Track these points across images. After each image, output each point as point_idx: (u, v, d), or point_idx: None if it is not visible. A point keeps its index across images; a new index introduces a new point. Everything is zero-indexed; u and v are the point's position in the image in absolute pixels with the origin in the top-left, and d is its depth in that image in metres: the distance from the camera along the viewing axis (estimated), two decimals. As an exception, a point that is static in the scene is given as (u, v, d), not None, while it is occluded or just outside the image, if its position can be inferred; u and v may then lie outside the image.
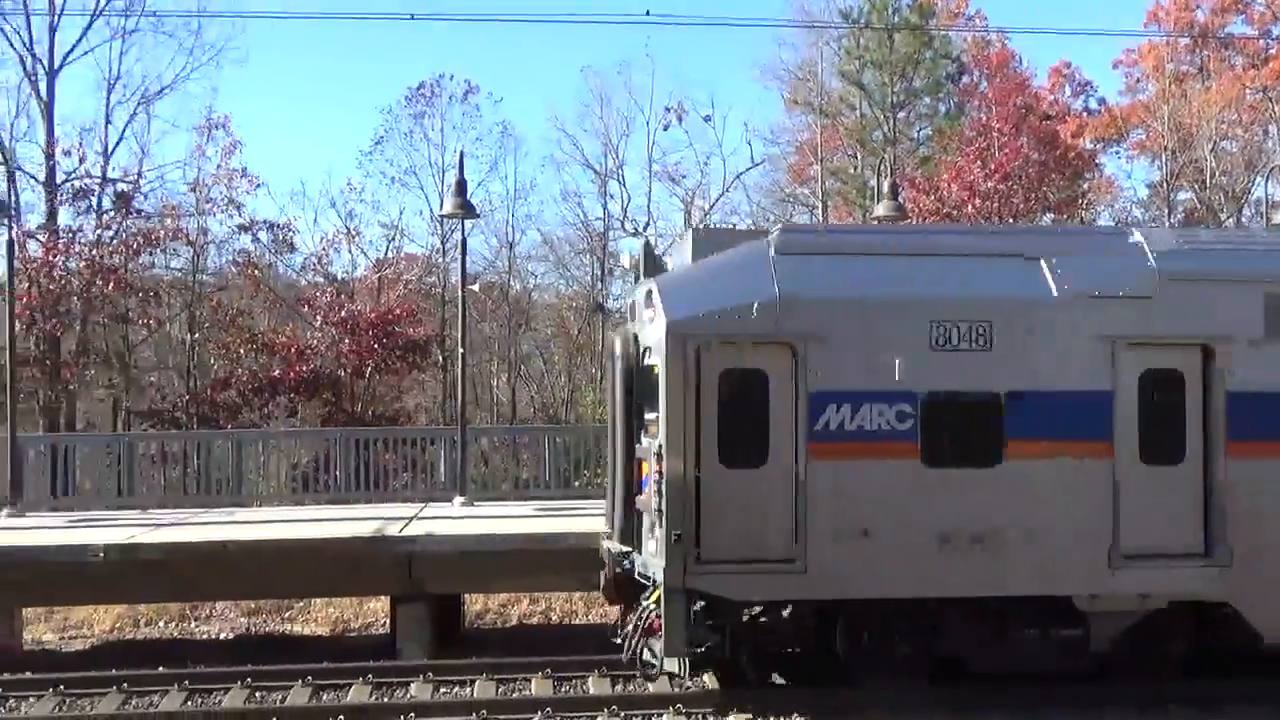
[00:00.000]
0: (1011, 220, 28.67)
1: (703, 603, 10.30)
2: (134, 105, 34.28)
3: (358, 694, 11.49)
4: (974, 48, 42.50)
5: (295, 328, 30.01)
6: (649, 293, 10.73)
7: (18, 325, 21.07)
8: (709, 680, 11.53)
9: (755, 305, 10.32)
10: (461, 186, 17.37)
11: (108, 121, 34.17)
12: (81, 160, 31.70)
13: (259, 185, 32.11)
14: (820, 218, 37.74)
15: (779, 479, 10.32)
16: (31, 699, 11.47)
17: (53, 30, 32.85)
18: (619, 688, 11.61)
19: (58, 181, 31.78)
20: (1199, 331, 10.71)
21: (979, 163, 30.57)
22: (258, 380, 27.78)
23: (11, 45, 33.09)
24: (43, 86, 33.27)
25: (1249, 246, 11.72)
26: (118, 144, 34.36)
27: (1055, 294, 10.61)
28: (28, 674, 12.26)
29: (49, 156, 31.87)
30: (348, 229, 34.76)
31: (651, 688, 11.33)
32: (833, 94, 40.58)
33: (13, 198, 25.84)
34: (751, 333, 10.34)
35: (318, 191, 60.70)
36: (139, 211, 31.16)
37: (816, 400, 10.33)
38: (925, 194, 30.15)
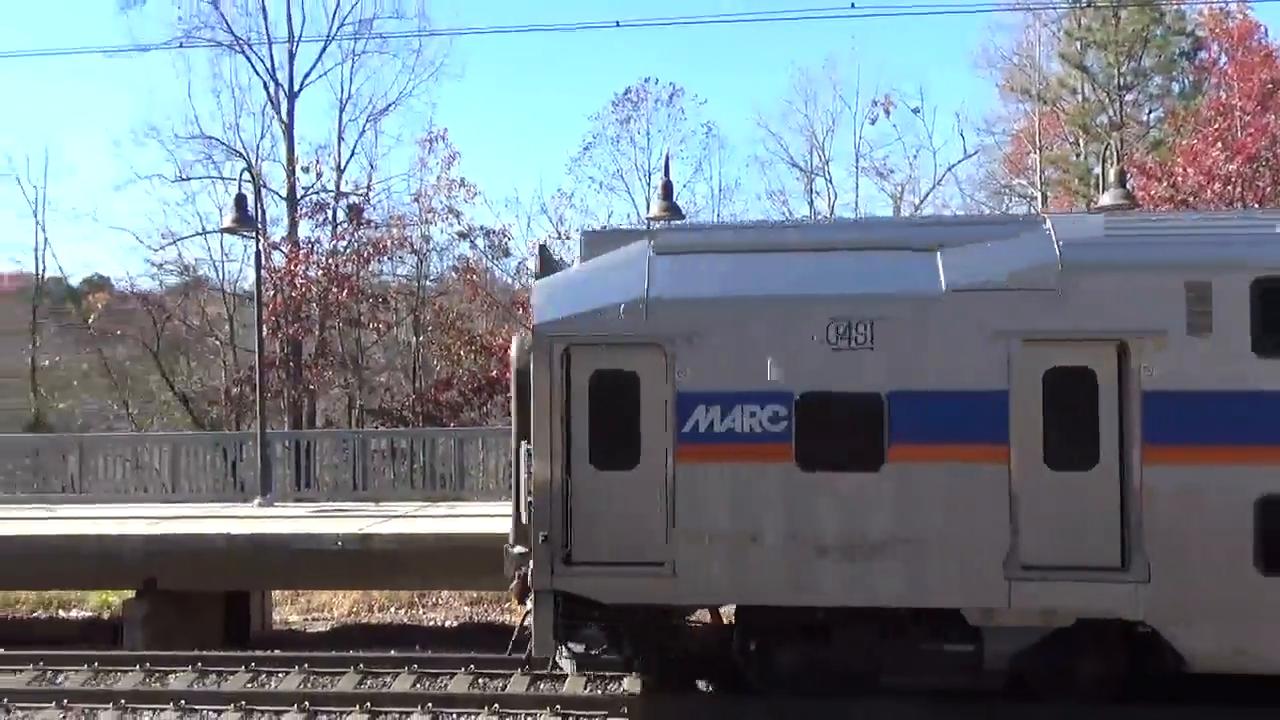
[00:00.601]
0: (1256, 206, 26.68)
1: (599, 607, 10.39)
2: (363, 123, 36.88)
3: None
4: (1211, 21, 39.24)
5: (511, 329, 30.98)
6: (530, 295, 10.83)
7: (264, 330, 22.91)
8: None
9: (623, 306, 10.21)
10: (668, 189, 17.41)
11: (340, 139, 36.85)
12: (318, 176, 34.50)
13: (476, 194, 33.86)
14: (1039, 208, 35.78)
15: (650, 481, 10.16)
16: (280, 675, 12.61)
17: (292, 57, 35.83)
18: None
19: (298, 196, 34.56)
20: (1112, 326, 9.78)
21: (1219, 145, 28.00)
22: (477, 380, 29.77)
23: (257, 72, 36.14)
24: (284, 109, 36.04)
25: (1171, 232, 10.59)
26: (349, 159, 36.96)
27: (944, 287, 9.98)
28: (276, 652, 13.63)
29: (290, 173, 34.72)
30: (559, 234, 35.67)
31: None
32: (1051, 78, 38.61)
33: (260, 213, 28.07)
34: (621, 333, 10.23)
35: (531, 198, 63.40)
36: (369, 222, 33.24)
37: (685, 401, 10.10)
38: (1157, 180, 28.20)
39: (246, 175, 22.16)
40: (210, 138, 36.94)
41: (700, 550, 10.05)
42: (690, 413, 10.09)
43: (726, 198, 42.69)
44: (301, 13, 36.59)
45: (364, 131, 36.81)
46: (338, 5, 36.35)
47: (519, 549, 11.04)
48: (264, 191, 32.52)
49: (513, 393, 11.26)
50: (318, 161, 34.86)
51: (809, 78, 43.44)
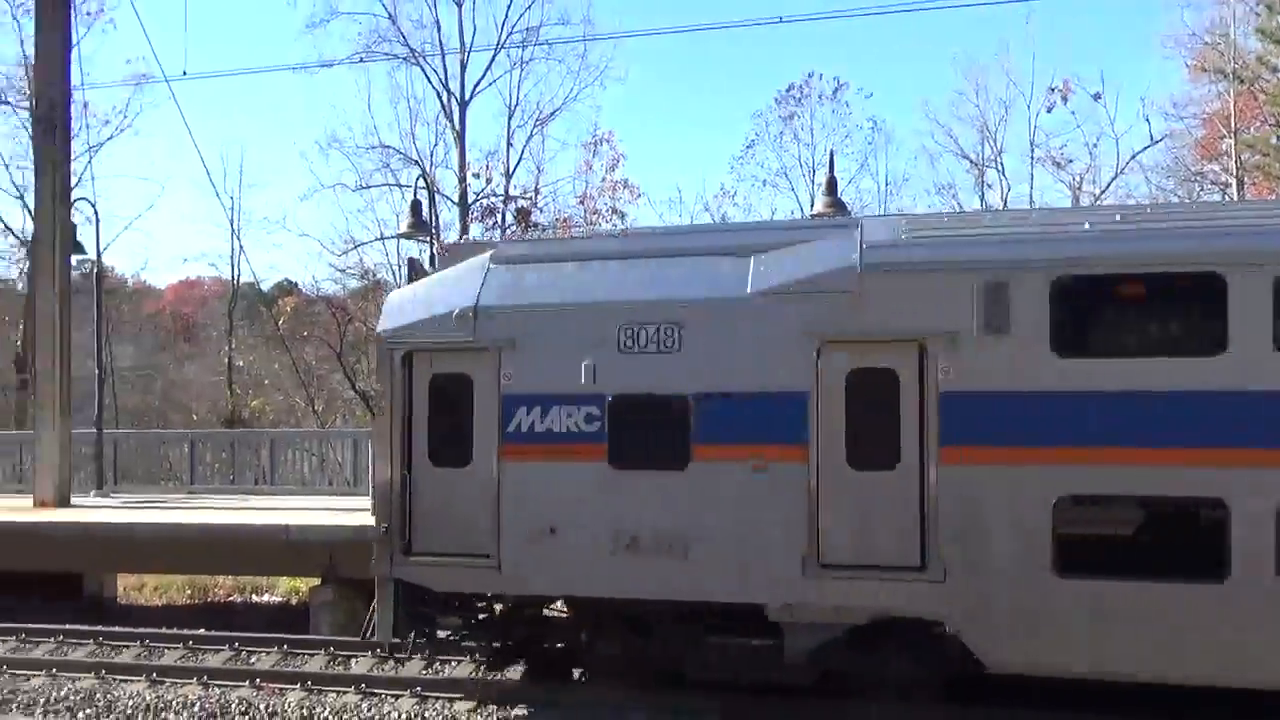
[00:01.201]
0: None
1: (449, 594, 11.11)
2: (530, 128, 38.43)
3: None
4: None
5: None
6: None
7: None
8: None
9: (456, 313, 10.87)
10: (832, 185, 17.07)
11: (509, 144, 38.34)
12: (488, 181, 35.69)
13: (639, 195, 35.38)
14: (1234, 195, 33.91)
15: (480, 478, 10.75)
16: (454, 663, 12.75)
17: (463, 67, 37.69)
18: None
19: (469, 201, 35.73)
20: (911, 327, 9.81)
21: None
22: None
23: (430, 83, 38.11)
24: (456, 117, 37.89)
25: (967, 232, 10.43)
26: (517, 164, 38.30)
27: (749, 292, 10.24)
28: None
29: (461, 179, 36.12)
30: (722, 234, 36.86)
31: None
32: (1249, 56, 35.97)
33: (434, 218, 28.94)
34: (455, 340, 10.87)
35: (693, 197, 63.67)
36: (536, 225, 33.69)
37: (508, 403, 10.66)
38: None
39: (421, 182, 23.25)
40: (388, 147, 38.84)
41: (517, 544, 10.59)
42: (514, 414, 10.66)
43: (893, 192, 42.51)
44: (473, 24, 39.17)
45: (531, 136, 38.21)
46: (506, 15, 38.00)
47: None
48: (437, 197, 33.92)
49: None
50: (487, 167, 36.10)
51: (979, 66, 43.38)
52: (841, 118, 39.00)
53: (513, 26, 37.81)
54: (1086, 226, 9.86)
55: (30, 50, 28.63)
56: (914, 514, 9.79)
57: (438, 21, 37.90)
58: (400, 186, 38.11)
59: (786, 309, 10.06)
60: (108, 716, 11.74)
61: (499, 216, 35.37)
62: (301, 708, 11.56)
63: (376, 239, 38.00)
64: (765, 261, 10.32)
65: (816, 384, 9.97)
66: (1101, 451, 9.38)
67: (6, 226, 41.21)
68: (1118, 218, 10.08)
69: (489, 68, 37.88)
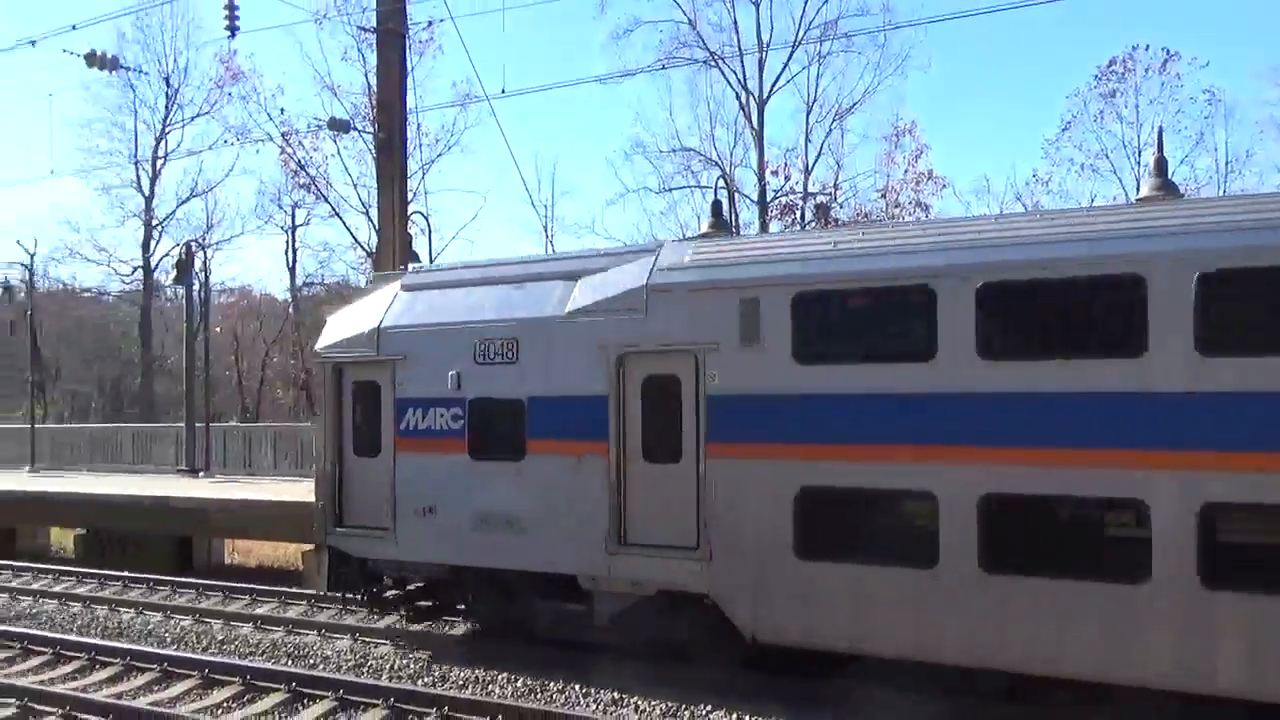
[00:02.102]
0: None
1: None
2: (829, 123, 38.56)
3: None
4: None
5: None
6: None
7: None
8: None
9: (366, 333, 13.41)
10: (1161, 165, 15.14)
11: (807, 140, 38.71)
12: (786, 178, 36.83)
13: (944, 186, 34.94)
14: None
15: (384, 466, 13.18)
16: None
17: (761, 66, 38.09)
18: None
19: (767, 200, 36.82)
20: (688, 339, 11.24)
21: None
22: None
23: (729, 84, 38.77)
24: (754, 117, 38.30)
25: (733, 255, 11.46)
26: (816, 160, 38.63)
27: (566, 312, 12.01)
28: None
29: (760, 178, 37.14)
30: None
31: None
32: None
33: (734, 217, 30.68)
34: (367, 355, 13.37)
35: (1003, 186, 59.01)
36: (836, 220, 34.29)
37: (400, 406, 13.03)
38: None
39: (721, 182, 25.13)
40: (689, 149, 40.01)
41: (409, 520, 12.91)
42: (405, 414, 13.02)
43: (1235, 171, 38.91)
44: (770, 22, 39.56)
45: (830, 131, 38.41)
46: (804, 10, 38.09)
47: None
48: (737, 197, 35.40)
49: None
50: (786, 164, 37.12)
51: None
52: (1172, 91, 35.74)
53: (810, 21, 37.71)
54: (829, 246, 10.94)
55: (373, 80, 30.84)
56: (691, 502, 11.26)
57: (736, 23, 38.43)
58: (701, 188, 39.29)
59: (592, 326, 11.81)
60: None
61: (798, 214, 36.51)
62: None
63: (679, 240, 39.90)
64: (583, 285, 12.09)
65: (617, 389, 11.65)
66: (833, 449, 10.50)
67: (355, 240, 45.07)
68: (861, 235, 11.08)
69: (786, 64, 37.89)
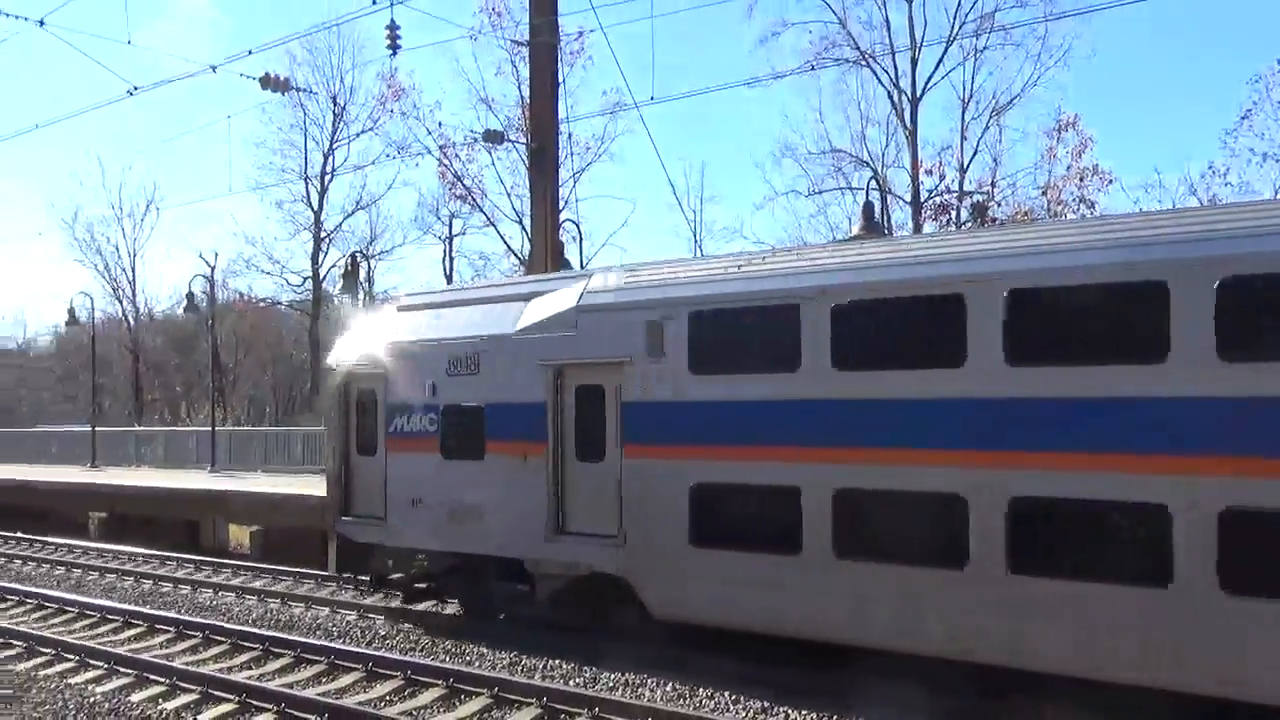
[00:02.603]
0: None
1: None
2: (986, 119, 37.23)
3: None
4: None
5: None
6: None
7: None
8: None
9: (363, 349, 15.53)
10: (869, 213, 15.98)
11: (962, 138, 37.53)
12: (941, 178, 35.62)
13: (1111, 181, 33.38)
14: None
15: (379, 464, 15.26)
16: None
17: (914, 63, 36.89)
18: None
19: (921, 200, 35.73)
20: (609, 354, 12.85)
21: None
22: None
23: (881, 83, 37.93)
24: (907, 115, 37.29)
25: (647, 282, 12.91)
26: (972, 158, 37.39)
27: (515, 330, 13.79)
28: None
29: (914, 177, 35.97)
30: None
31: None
32: None
33: (886, 219, 29.98)
34: (367, 368, 15.53)
35: (1175, 179, 54.13)
36: (994, 220, 32.90)
37: (390, 410, 15.03)
38: None
39: (873, 183, 24.51)
40: (839, 151, 39.44)
41: (397, 510, 14.91)
42: (394, 418, 15.03)
43: None
44: (924, 18, 37.48)
45: (987, 128, 37.21)
46: (959, 4, 36.45)
47: None
48: (889, 197, 34.63)
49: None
50: (940, 163, 36.06)
51: None
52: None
53: (965, 15, 36.46)
54: (722, 271, 12.40)
55: (526, 92, 30.87)
56: (613, 495, 12.88)
57: (887, 20, 37.44)
58: (852, 189, 38.57)
59: (536, 342, 13.57)
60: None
61: (953, 213, 35.55)
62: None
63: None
64: (531, 306, 13.85)
65: (555, 398, 13.37)
66: (720, 449, 11.97)
67: (509, 248, 45.84)
68: (750, 259, 12.52)
69: (941, 60, 36.75)
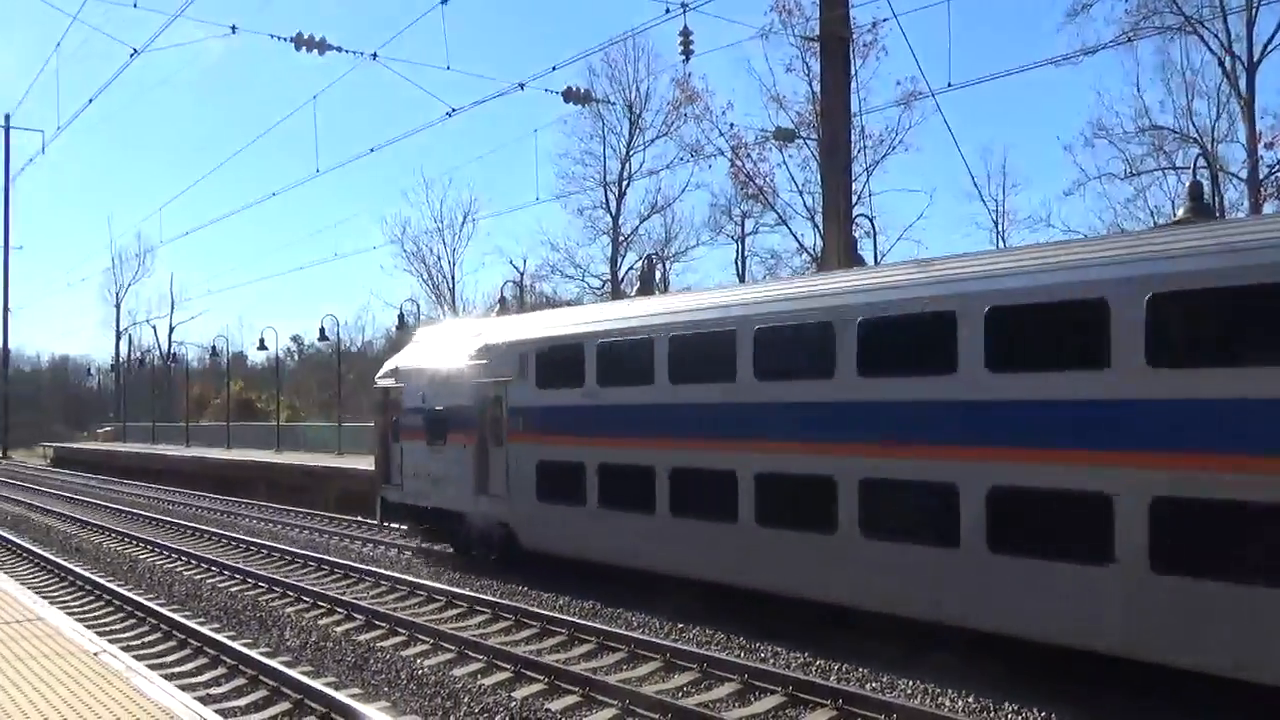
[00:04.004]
0: None
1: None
2: None
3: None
4: None
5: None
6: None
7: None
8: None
9: (392, 368, 22.93)
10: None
11: None
12: None
13: None
14: None
15: (400, 448, 22.60)
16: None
17: (1250, 25, 33.17)
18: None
19: (1260, 177, 32.26)
20: (501, 375, 19.40)
21: None
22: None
23: (1210, 50, 34.33)
24: (1242, 84, 33.67)
25: (519, 330, 19.21)
26: None
27: (464, 361, 20.62)
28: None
29: (1250, 153, 32.58)
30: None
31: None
32: None
33: (1217, 199, 28.26)
34: (393, 382, 22.88)
35: None
36: None
37: (403, 412, 22.36)
38: None
39: (1201, 162, 23.69)
40: (1160, 128, 36.33)
41: (409, 480, 22.11)
42: (403, 417, 22.35)
43: None
44: None
45: None
46: None
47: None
48: (1221, 176, 31.84)
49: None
50: None
51: None
52: None
53: None
54: (559, 323, 18.72)
55: (817, 88, 30.85)
56: (505, 468, 19.51)
57: None
58: (1176, 169, 35.77)
59: (472, 366, 20.38)
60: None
61: None
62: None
63: (1148, 230, 32.69)
64: (475, 340, 20.71)
65: (479, 403, 20.13)
66: (552, 437, 18.30)
67: (801, 245, 45.17)
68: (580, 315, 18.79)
69: None
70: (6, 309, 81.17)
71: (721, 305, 15.65)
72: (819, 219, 30.30)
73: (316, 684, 11.55)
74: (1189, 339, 10.36)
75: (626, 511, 16.56)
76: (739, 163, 44.43)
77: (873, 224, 27.42)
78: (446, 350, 21.41)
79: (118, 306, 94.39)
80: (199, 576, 20.32)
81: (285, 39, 19.63)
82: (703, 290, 22.00)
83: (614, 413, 16.93)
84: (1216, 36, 33.62)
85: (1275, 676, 9.31)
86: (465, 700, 11.51)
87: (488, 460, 19.97)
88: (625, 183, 54.13)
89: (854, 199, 25.03)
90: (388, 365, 23.66)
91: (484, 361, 19.98)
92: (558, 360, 18.31)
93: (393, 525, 24.24)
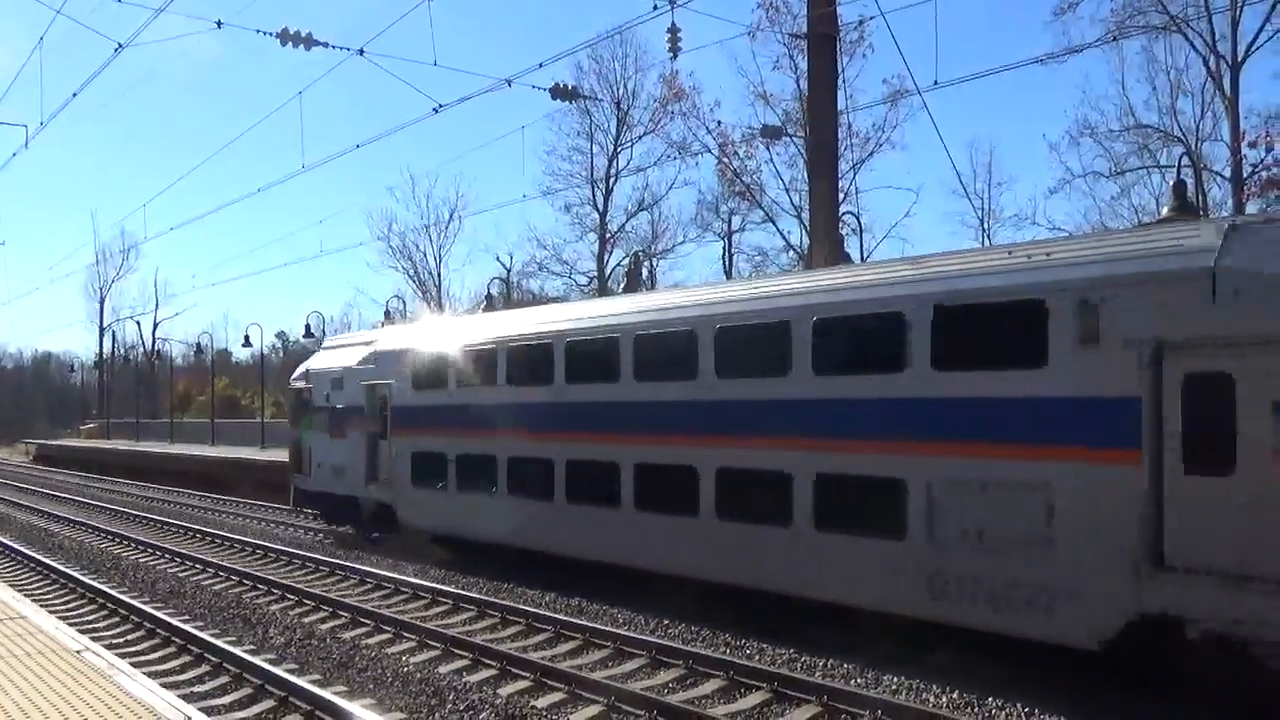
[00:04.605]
0: None
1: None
2: None
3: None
4: None
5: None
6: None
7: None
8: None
9: (302, 372, 25.13)
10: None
11: None
12: (1269, 150, 31.38)
13: None
14: None
15: (308, 440, 24.37)
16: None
17: (1234, 24, 33.16)
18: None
19: (1244, 176, 32.02)
20: (386, 377, 21.82)
21: None
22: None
23: (1195, 49, 34.48)
24: (1226, 83, 33.52)
25: (402, 336, 22.14)
26: None
27: (355, 364, 22.29)
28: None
29: (1234, 151, 32.22)
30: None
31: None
32: None
33: (1200, 198, 28.30)
34: (305, 382, 25.08)
35: None
36: None
37: (311, 408, 24.26)
38: None
39: (1185, 160, 23.91)
40: (1145, 126, 36.66)
41: (315, 469, 24.12)
42: (311, 413, 24.44)
43: None
44: None
45: None
46: None
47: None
48: (1205, 174, 32.22)
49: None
50: (1267, 134, 32.33)
51: None
52: None
53: None
54: (432, 333, 21.23)
55: (804, 85, 30.33)
56: (389, 458, 20.82)
57: None
58: (1160, 168, 35.94)
59: (360, 369, 22.37)
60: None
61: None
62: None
63: (1134, 227, 31.64)
64: (364, 349, 23.04)
65: (371, 402, 22.03)
66: (423, 430, 20.35)
67: (788, 243, 45.26)
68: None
69: (1268, 18, 32.84)
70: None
71: (546, 323, 18.26)
72: (805, 216, 29.92)
73: (301, 681, 11.51)
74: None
75: (477, 492, 19.04)
76: (726, 160, 44.49)
77: (859, 221, 27.74)
78: (347, 356, 23.28)
79: (101, 302, 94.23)
80: (182, 574, 20.22)
81: (271, 34, 19.40)
82: (533, 306, 25.51)
83: (469, 410, 19.37)
84: (1201, 36, 33.98)
85: None
86: (450, 697, 11.47)
87: (377, 452, 21.67)
88: (612, 179, 54.12)
89: (841, 196, 25.11)
90: (300, 369, 25.75)
91: (373, 366, 21.88)
92: (430, 365, 20.61)
93: (305, 510, 26.31)
